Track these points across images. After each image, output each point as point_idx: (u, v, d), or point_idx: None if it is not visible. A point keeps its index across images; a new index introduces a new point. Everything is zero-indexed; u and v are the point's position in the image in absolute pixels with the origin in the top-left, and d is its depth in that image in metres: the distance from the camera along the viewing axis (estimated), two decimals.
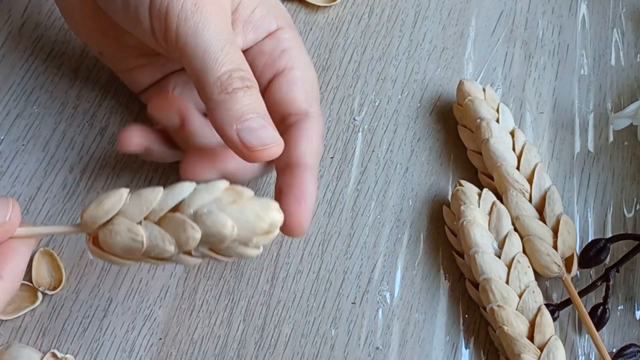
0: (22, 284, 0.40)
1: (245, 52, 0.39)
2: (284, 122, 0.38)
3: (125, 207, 0.31)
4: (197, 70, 0.34)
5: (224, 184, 0.31)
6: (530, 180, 0.43)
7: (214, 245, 0.31)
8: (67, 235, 0.41)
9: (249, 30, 0.38)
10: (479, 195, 0.42)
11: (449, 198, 0.44)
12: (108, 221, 0.31)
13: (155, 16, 0.34)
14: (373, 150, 0.45)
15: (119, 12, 0.36)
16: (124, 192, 0.31)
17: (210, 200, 0.31)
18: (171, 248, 0.31)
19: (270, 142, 0.34)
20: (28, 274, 0.40)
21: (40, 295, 0.40)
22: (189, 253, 0.32)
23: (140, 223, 0.31)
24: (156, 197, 0.31)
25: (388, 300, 0.42)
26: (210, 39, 0.34)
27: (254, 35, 0.39)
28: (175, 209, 0.31)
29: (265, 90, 0.38)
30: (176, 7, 0.34)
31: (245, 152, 0.34)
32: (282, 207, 0.34)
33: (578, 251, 0.43)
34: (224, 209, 0.30)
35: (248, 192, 0.31)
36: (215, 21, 0.34)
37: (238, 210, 0.31)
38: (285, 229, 0.36)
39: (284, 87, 0.38)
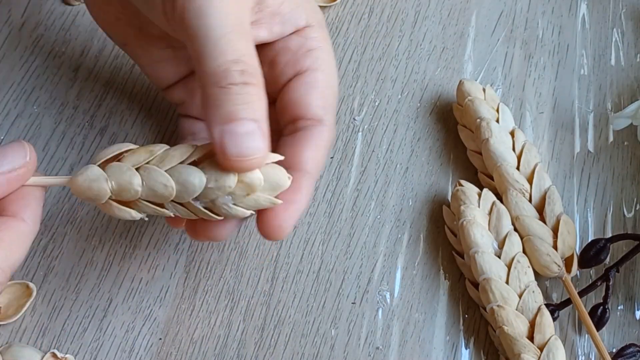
0: (10, 283, 0.40)
1: (269, 45, 0.37)
2: (293, 124, 0.36)
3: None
4: (197, 55, 0.31)
5: (233, 180, 0.32)
6: (530, 180, 0.43)
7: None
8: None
9: (276, 22, 0.36)
10: (479, 195, 0.42)
11: (449, 198, 0.44)
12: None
13: None
14: (373, 150, 0.45)
15: None
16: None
17: (224, 193, 0.32)
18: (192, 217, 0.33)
19: (248, 154, 0.31)
20: None
21: (33, 286, 0.40)
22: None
23: (162, 205, 0.33)
24: (171, 194, 0.32)
25: (388, 300, 0.42)
26: (212, 22, 0.31)
27: (281, 29, 0.36)
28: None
29: (283, 88, 0.37)
30: None
31: (221, 158, 0.31)
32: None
33: (578, 251, 0.43)
34: (240, 201, 0.32)
35: (258, 181, 0.32)
36: (222, 4, 0.31)
37: (253, 200, 0.33)
38: (264, 229, 0.34)
39: (302, 88, 0.36)
